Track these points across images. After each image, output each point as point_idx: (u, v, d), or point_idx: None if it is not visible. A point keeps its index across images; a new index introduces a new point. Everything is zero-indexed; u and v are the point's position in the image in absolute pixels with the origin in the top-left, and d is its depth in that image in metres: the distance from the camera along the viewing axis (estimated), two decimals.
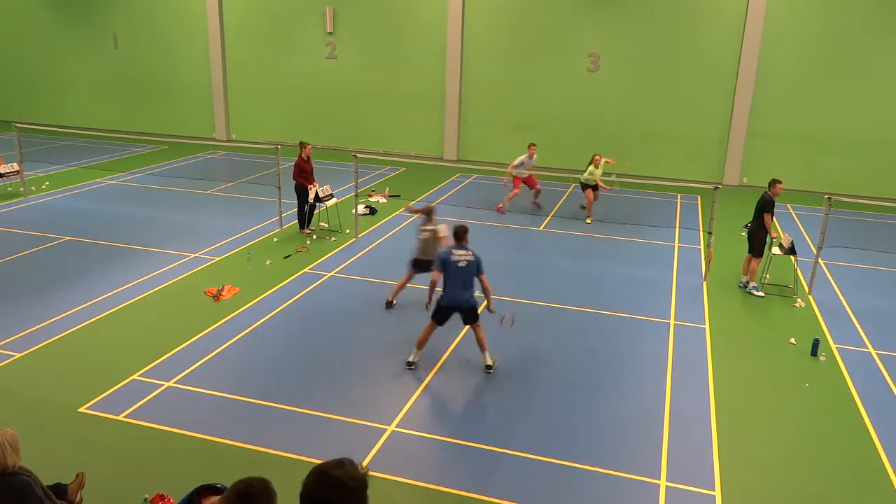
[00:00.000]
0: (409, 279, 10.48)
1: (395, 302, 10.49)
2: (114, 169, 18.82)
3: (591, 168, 15.36)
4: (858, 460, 7.09)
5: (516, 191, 16.09)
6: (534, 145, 16.12)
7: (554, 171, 19.31)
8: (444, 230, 10.09)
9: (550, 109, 20.91)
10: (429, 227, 10.32)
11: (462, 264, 8.43)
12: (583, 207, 16.15)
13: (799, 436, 7.49)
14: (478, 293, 8.64)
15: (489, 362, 8.67)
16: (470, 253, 8.50)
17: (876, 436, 7.51)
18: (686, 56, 19.59)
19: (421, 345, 8.69)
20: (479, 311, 8.68)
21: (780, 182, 11.38)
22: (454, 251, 8.49)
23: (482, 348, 8.69)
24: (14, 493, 4.74)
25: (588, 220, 15.50)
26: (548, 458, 6.87)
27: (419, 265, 10.37)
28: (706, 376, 8.65)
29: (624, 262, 12.89)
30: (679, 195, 18.41)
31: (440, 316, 8.62)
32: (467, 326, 8.87)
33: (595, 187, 15.72)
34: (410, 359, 8.68)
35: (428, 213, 10.46)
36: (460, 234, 8.63)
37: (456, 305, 8.54)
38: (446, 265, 8.45)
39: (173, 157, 21.14)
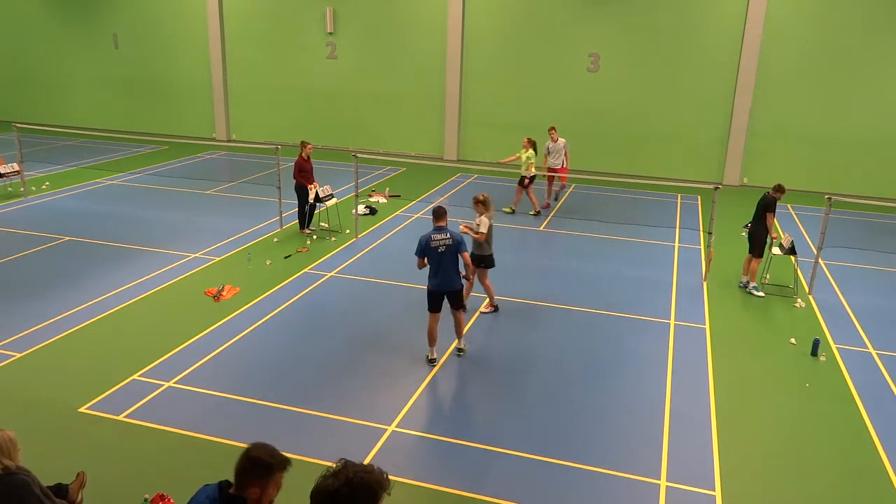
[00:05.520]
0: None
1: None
2: (114, 169, 18.82)
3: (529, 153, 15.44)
4: (858, 460, 7.09)
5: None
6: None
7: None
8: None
9: (550, 109, 20.86)
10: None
11: (441, 249, 8.31)
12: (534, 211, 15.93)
13: (799, 436, 7.49)
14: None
15: (461, 346, 8.89)
16: (448, 237, 8.34)
17: (876, 436, 7.51)
18: (686, 56, 19.59)
19: (432, 340, 8.64)
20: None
21: (784, 190, 11.42)
22: (433, 235, 8.37)
23: (458, 334, 8.84)
24: (12, 493, 4.74)
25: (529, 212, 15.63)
26: (548, 458, 6.87)
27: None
28: (706, 376, 8.65)
29: (624, 262, 12.88)
30: (679, 195, 18.39)
31: (430, 302, 8.55)
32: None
33: (531, 179, 15.72)
34: (429, 356, 8.67)
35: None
36: (437, 216, 8.46)
37: (439, 290, 8.48)
38: (426, 251, 8.37)
39: (173, 158, 21.13)
